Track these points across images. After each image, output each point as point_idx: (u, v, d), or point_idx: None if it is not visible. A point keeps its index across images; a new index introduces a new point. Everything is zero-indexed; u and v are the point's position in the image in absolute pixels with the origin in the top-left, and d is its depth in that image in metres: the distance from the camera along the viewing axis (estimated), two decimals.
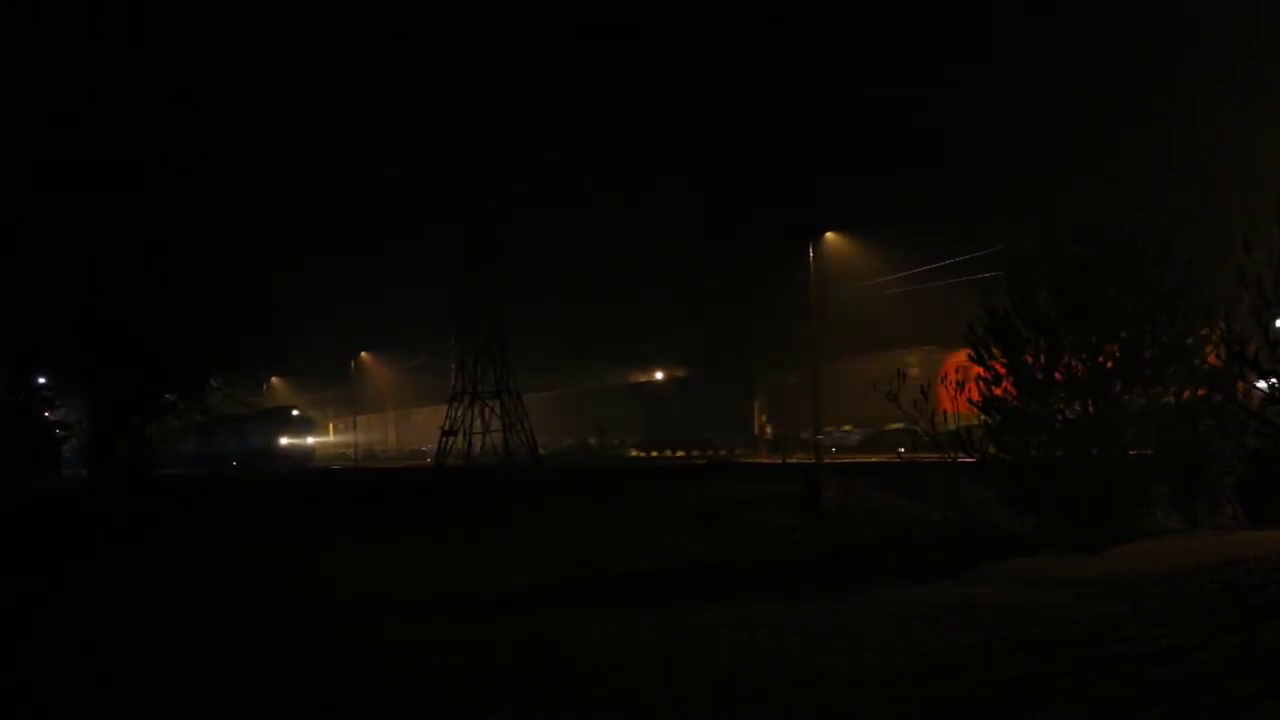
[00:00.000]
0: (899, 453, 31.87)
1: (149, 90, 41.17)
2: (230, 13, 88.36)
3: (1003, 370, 15.58)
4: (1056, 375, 15.08)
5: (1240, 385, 12.92)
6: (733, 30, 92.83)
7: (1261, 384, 12.10)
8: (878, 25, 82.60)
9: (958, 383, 16.05)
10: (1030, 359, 15.27)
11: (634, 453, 52.81)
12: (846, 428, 42.19)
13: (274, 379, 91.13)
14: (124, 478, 36.66)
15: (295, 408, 76.11)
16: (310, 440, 72.65)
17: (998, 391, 15.64)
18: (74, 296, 35.75)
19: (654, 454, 52.68)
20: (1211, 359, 14.02)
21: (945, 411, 16.43)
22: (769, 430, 47.72)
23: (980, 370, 15.81)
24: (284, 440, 68.87)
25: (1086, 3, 62.53)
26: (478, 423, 52.61)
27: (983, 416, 15.90)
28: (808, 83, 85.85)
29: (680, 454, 50.25)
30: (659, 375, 63.64)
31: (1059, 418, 15.28)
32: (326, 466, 65.36)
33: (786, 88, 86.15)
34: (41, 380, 45.38)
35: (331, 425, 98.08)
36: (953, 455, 16.17)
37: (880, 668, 7.07)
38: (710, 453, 47.44)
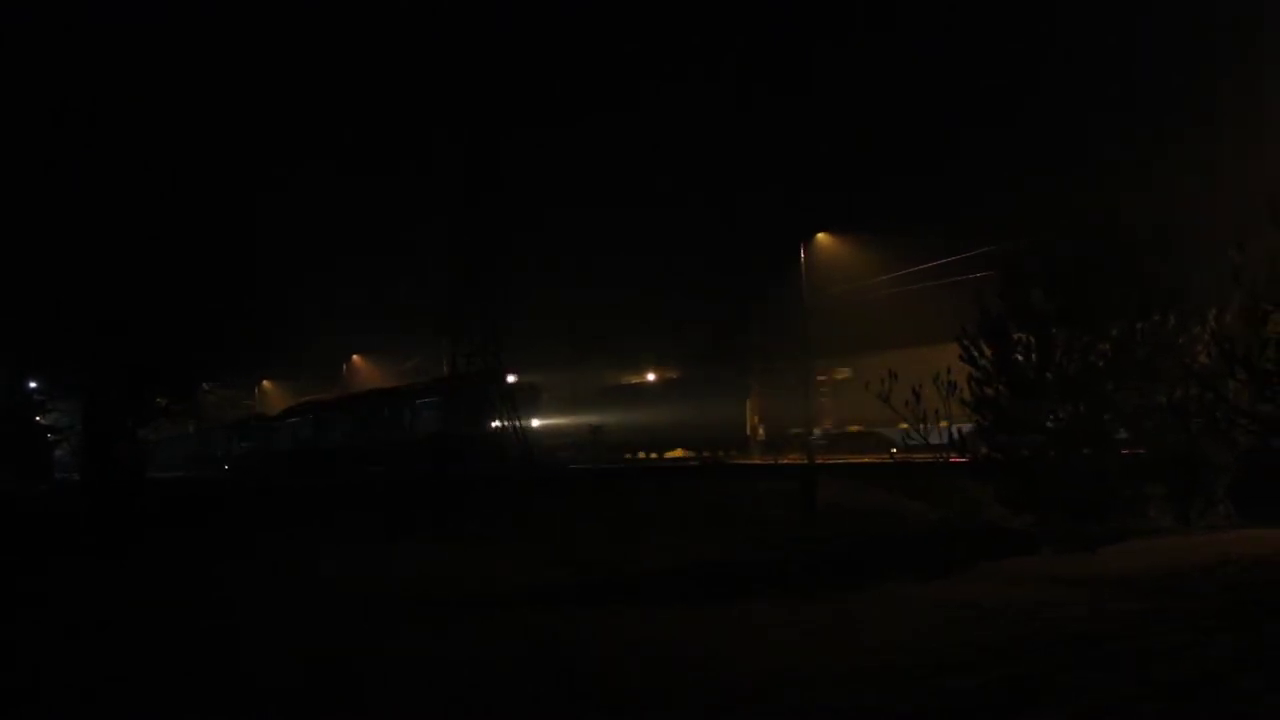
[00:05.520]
0: (891, 453, 31.97)
1: (145, 95, 41.17)
2: (230, 17, 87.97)
3: (994, 370, 15.64)
4: (1048, 374, 15.14)
5: (1231, 384, 13.02)
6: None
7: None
8: (870, 24, 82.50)
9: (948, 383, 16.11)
10: (1022, 358, 15.33)
11: (627, 454, 52.83)
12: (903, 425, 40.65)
13: (265, 382, 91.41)
14: (122, 481, 36.66)
15: (511, 372, 52.41)
16: (536, 423, 49.66)
17: (989, 391, 15.70)
18: (65, 300, 35.75)
19: (648, 455, 52.76)
20: (1202, 358, 14.10)
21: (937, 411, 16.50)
22: (761, 431, 47.81)
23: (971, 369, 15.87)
24: (495, 423, 48.45)
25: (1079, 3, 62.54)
26: None
27: (975, 416, 15.97)
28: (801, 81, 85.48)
29: (677, 454, 50.36)
30: (650, 377, 63.70)
31: (1051, 417, 15.34)
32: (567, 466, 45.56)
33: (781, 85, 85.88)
34: (33, 385, 45.43)
35: None
36: (945, 456, 16.27)
37: (882, 665, 7.16)
38: (705, 454, 47.52)
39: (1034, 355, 15.13)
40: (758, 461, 38.64)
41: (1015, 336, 15.30)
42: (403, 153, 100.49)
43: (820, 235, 49.66)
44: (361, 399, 58.91)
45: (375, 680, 7.77)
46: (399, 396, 56.38)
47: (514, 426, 47.94)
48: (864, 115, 77.21)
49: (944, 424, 16.28)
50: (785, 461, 34.19)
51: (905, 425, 16.42)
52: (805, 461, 32.35)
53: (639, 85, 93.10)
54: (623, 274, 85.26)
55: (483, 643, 9.10)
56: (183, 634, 10.30)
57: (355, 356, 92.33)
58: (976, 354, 15.60)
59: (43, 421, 46.98)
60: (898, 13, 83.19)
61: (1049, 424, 15.22)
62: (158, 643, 9.93)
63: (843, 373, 42.33)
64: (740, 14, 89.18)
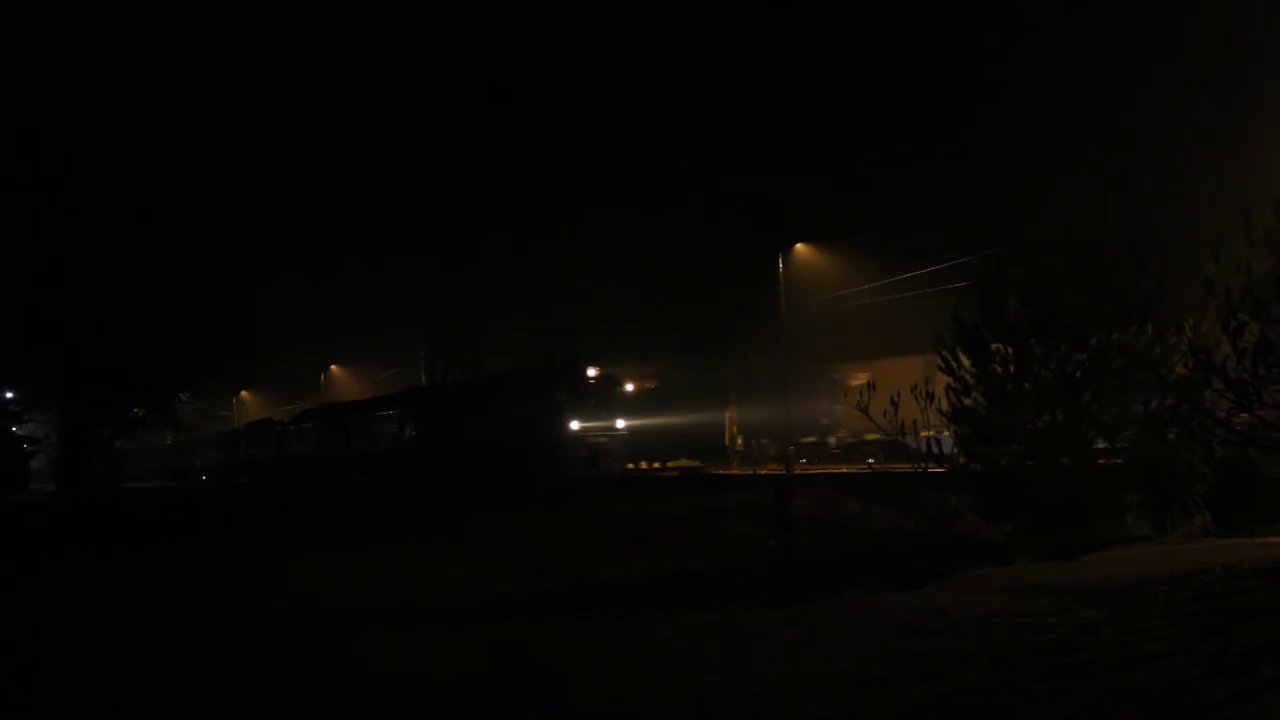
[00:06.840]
0: (869, 463, 32.03)
1: (122, 109, 40.94)
2: (204, 26, 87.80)
3: (972, 380, 15.65)
4: (1025, 385, 15.15)
5: (1208, 394, 13.04)
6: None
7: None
8: (850, 36, 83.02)
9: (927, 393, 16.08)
10: (999, 369, 15.34)
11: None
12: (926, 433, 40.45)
13: (244, 392, 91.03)
14: (97, 490, 36.50)
15: (591, 365, 42.03)
16: (621, 424, 41.84)
17: (967, 402, 15.70)
18: (43, 312, 35.57)
19: (625, 465, 52.60)
20: (1179, 368, 14.12)
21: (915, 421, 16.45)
22: (739, 441, 47.80)
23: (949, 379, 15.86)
24: (576, 424, 39.69)
25: (1057, 13, 63.04)
26: None
27: (953, 427, 15.95)
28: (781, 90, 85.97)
29: (656, 465, 50.23)
30: (630, 387, 63.57)
31: (1028, 427, 15.34)
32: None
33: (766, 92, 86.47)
34: (9, 395, 45.24)
35: None
36: (923, 466, 16.24)
37: (857, 674, 7.15)
38: (682, 463, 47.45)
39: (1011, 366, 15.15)
40: (736, 471, 38.59)
41: (994, 347, 15.30)
42: (388, 155, 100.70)
43: (799, 246, 49.79)
44: (394, 400, 52.28)
45: (346, 694, 7.71)
46: (442, 396, 50.42)
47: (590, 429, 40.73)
48: (854, 120, 77.81)
49: (926, 433, 16.23)
50: (764, 472, 34.18)
51: (928, 433, 16.22)
52: (782, 472, 32.35)
53: (631, 88, 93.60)
54: (607, 279, 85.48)
55: (456, 653, 9.03)
56: (136, 648, 10.21)
57: (334, 366, 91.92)
58: (954, 364, 15.61)
59: (19, 432, 46.78)
60: (897, 14, 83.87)
61: (1027, 434, 15.24)
62: (105, 651, 9.88)
63: (860, 377, 42.05)
64: (733, 17, 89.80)
